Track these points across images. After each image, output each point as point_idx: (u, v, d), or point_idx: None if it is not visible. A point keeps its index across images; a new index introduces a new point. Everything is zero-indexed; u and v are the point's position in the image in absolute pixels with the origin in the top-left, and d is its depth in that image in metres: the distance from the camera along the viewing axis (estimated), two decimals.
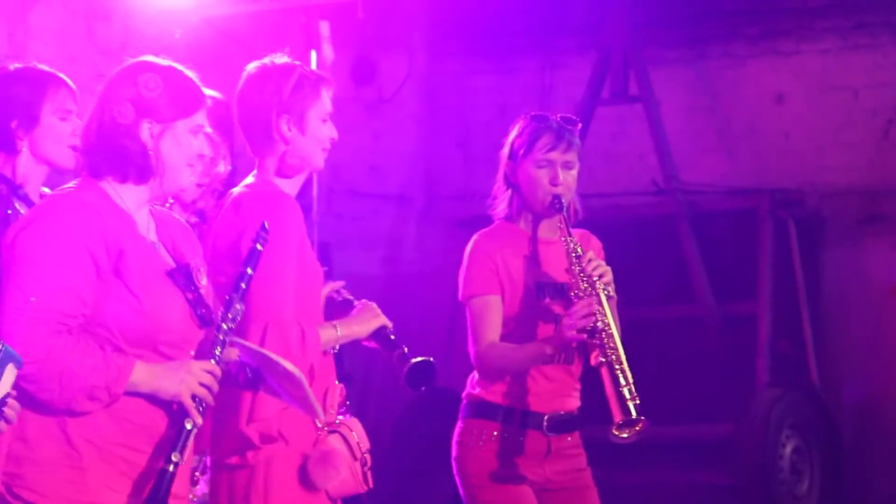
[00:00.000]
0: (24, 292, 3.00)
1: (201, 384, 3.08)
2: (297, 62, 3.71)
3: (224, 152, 4.21)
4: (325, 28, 7.21)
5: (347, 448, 3.57)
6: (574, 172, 4.13)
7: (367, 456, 3.63)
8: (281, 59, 3.69)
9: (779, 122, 8.06)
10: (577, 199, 4.16)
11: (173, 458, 3.06)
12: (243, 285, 3.23)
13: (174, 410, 3.12)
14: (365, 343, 3.75)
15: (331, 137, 3.70)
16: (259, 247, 3.29)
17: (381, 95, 8.73)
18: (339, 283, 3.81)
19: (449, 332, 7.70)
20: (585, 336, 3.89)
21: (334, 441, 3.56)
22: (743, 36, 8.14)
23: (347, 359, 7.73)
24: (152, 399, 3.09)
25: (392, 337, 3.71)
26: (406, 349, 3.67)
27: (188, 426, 3.08)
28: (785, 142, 8.03)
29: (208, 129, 3.26)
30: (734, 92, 8.16)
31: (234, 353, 3.21)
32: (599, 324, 3.89)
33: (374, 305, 3.73)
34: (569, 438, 4.13)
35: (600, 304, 3.92)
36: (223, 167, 4.16)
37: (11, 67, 3.79)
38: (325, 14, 7.32)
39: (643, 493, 7.19)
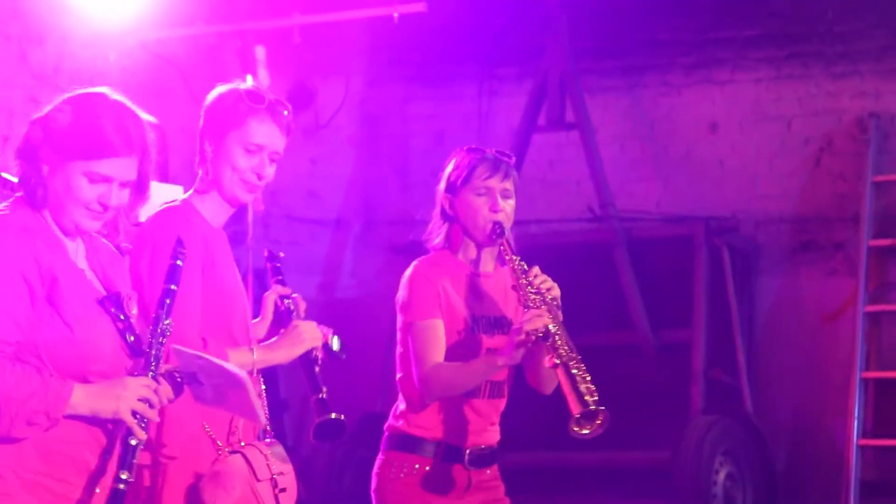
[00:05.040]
0: None
1: (140, 399, 3.05)
2: (251, 88, 3.70)
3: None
4: (261, 53, 7.19)
5: (249, 469, 3.53)
6: (512, 202, 4.13)
7: (280, 478, 3.58)
8: (242, 84, 3.71)
9: (713, 151, 8.13)
10: (512, 235, 4.16)
11: (122, 476, 3.03)
12: (168, 301, 3.18)
13: (107, 434, 3.07)
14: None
15: (255, 171, 3.66)
16: (179, 262, 3.26)
17: (318, 121, 8.72)
18: (285, 290, 3.77)
19: (385, 358, 7.68)
20: (538, 338, 3.86)
21: (234, 461, 3.52)
22: (678, 65, 8.21)
23: (284, 386, 7.70)
24: (85, 424, 3.05)
25: (317, 369, 3.66)
26: (324, 392, 3.60)
27: (133, 442, 3.05)
28: (719, 170, 8.10)
29: (123, 179, 3.12)
30: (669, 120, 8.23)
31: (166, 369, 3.16)
32: (552, 327, 3.89)
33: (304, 329, 3.67)
34: (488, 472, 4.12)
35: (551, 311, 3.92)
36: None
37: None
38: (262, 39, 7.31)
39: None
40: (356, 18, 7.76)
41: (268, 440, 3.64)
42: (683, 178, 8.14)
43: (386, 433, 4.12)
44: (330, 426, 3.56)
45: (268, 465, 3.57)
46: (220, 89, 3.71)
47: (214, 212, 3.68)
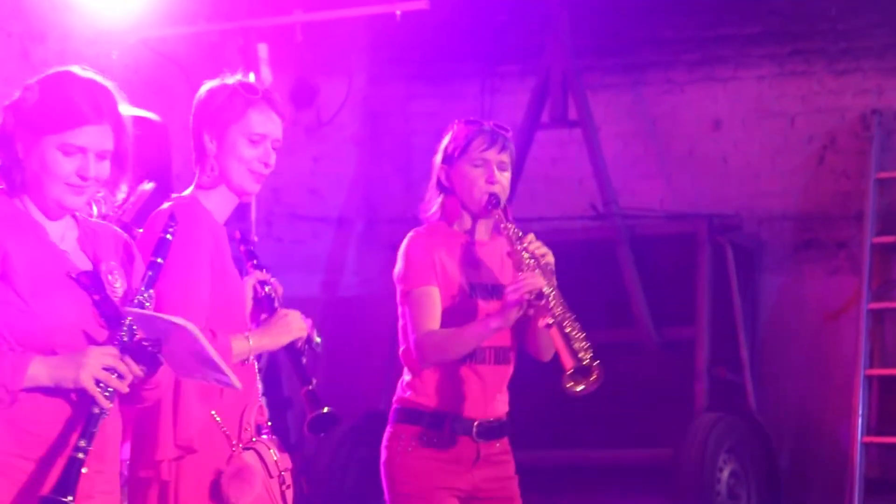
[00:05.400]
0: None
1: (105, 368, 3.00)
2: (243, 80, 3.70)
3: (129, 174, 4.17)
4: (263, 50, 7.19)
5: (263, 466, 3.54)
6: (508, 175, 4.15)
7: (286, 475, 3.60)
8: (230, 78, 3.70)
9: (716, 148, 8.12)
10: (510, 207, 4.17)
11: (80, 444, 2.98)
12: (150, 273, 3.16)
13: (73, 407, 3.04)
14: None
15: (262, 161, 3.66)
16: (168, 236, 3.24)
17: (321, 118, 8.71)
18: (263, 275, 3.75)
19: (389, 356, 7.67)
20: (532, 299, 3.88)
21: (249, 458, 3.53)
22: (681, 62, 8.20)
23: (286, 383, 7.69)
24: (47, 400, 3.02)
25: (304, 360, 3.65)
26: (313, 384, 3.59)
27: (95, 411, 3.00)
28: (723, 167, 8.09)
29: (99, 149, 3.11)
30: (672, 117, 8.22)
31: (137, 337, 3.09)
32: (546, 289, 3.89)
33: (291, 317, 3.65)
34: (497, 444, 4.12)
35: (544, 275, 3.93)
36: (147, 186, 4.10)
37: None
38: (264, 36, 7.30)
39: None
40: (358, 16, 7.75)
41: (265, 436, 3.64)
42: (686, 175, 8.13)
43: (394, 406, 4.13)
44: (324, 419, 3.55)
45: (276, 461, 3.58)
46: (209, 85, 3.71)
47: (219, 207, 3.68)
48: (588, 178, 7.90)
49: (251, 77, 6.91)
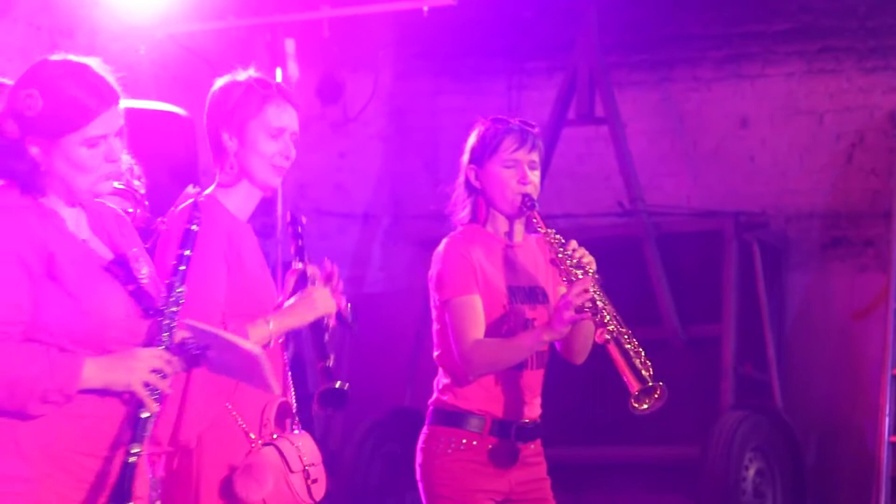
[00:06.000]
0: None
1: (152, 370, 3.03)
2: (255, 75, 3.69)
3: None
4: (290, 46, 7.19)
5: (283, 461, 3.53)
6: (538, 173, 4.12)
7: (311, 469, 3.58)
8: (242, 73, 3.69)
9: (744, 146, 8.09)
10: (538, 206, 4.15)
11: (132, 450, 3.02)
12: (182, 267, 3.18)
13: (128, 406, 3.06)
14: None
15: (284, 154, 3.66)
16: (194, 227, 3.26)
17: (347, 114, 8.71)
18: (299, 265, 3.71)
19: (413, 352, 7.67)
20: (586, 314, 3.84)
21: (267, 454, 3.52)
22: (708, 59, 8.18)
23: (312, 378, 7.70)
24: (106, 399, 3.04)
25: (326, 337, 3.63)
26: (331, 361, 3.59)
27: (143, 415, 3.03)
28: (750, 165, 8.06)
29: (115, 130, 3.12)
30: (699, 115, 8.19)
31: (180, 336, 3.14)
32: (599, 302, 3.85)
33: (318, 294, 3.61)
34: (532, 446, 4.11)
35: (595, 284, 3.89)
36: (192, 189, 4.11)
37: None
38: (291, 32, 7.30)
39: None
40: (385, 12, 7.75)
41: (296, 431, 3.63)
42: (713, 172, 8.10)
43: (431, 407, 4.11)
44: (334, 395, 3.55)
45: (300, 456, 3.56)
46: (221, 83, 3.69)
47: (241, 205, 3.68)
48: (615, 174, 7.88)
49: (293, 77, 6.96)
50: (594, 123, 7.84)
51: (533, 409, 4.10)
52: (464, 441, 4.01)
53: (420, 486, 4.09)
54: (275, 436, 3.58)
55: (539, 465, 4.13)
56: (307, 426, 3.72)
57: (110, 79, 3.13)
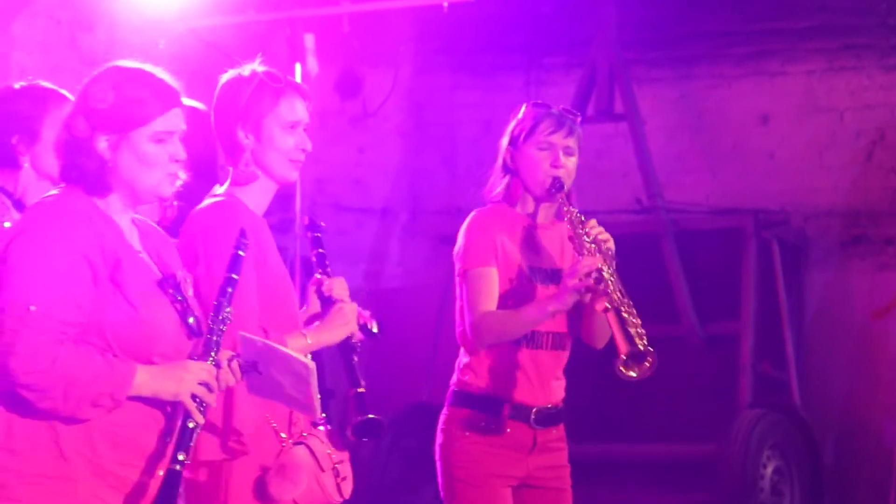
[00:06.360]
0: (23, 301, 2.96)
1: (200, 383, 3.07)
2: (263, 69, 3.68)
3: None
4: (310, 41, 7.19)
5: (314, 460, 3.54)
6: (574, 160, 4.15)
7: (340, 467, 3.59)
8: (247, 68, 3.68)
9: (764, 143, 8.07)
10: (574, 192, 4.16)
11: (179, 458, 3.05)
12: (230, 289, 3.21)
13: (167, 418, 3.09)
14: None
15: (300, 147, 3.66)
16: (241, 253, 3.28)
17: (366, 109, 8.71)
18: (324, 278, 3.72)
19: (432, 347, 7.67)
20: (590, 283, 3.86)
21: (298, 453, 3.53)
22: (729, 56, 8.15)
23: (329, 374, 7.71)
24: (149, 409, 3.06)
25: (355, 358, 3.63)
26: (362, 386, 3.56)
27: (190, 425, 3.07)
28: (770, 162, 8.04)
29: (180, 130, 3.18)
30: (719, 112, 8.17)
31: (226, 355, 3.18)
32: (605, 273, 3.87)
33: (348, 309, 3.63)
34: (553, 431, 4.11)
35: (605, 260, 3.91)
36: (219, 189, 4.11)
37: (16, 86, 3.84)
38: (311, 27, 7.31)
39: None
40: (405, 7, 7.76)
41: (322, 428, 3.64)
42: (733, 170, 8.08)
43: (451, 388, 4.12)
44: (369, 425, 3.54)
45: (329, 454, 3.57)
46: (227, 78, 3.68)
47: (259, 201, 3.67)
48: (633, 171, 7.86)
49: (313, 72, 6.96)
50: (613, 120, 7.83)
51: (553, 394, 4.10)
52: (482, 423, 4.02)
53: (438, 466, 4.10)
54: (305, 434, 3.58)
55: (560, 451, 4.13)
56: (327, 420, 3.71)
57: (175, 84, 3.20)
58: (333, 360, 3.72)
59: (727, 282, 7.42)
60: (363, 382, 3.58)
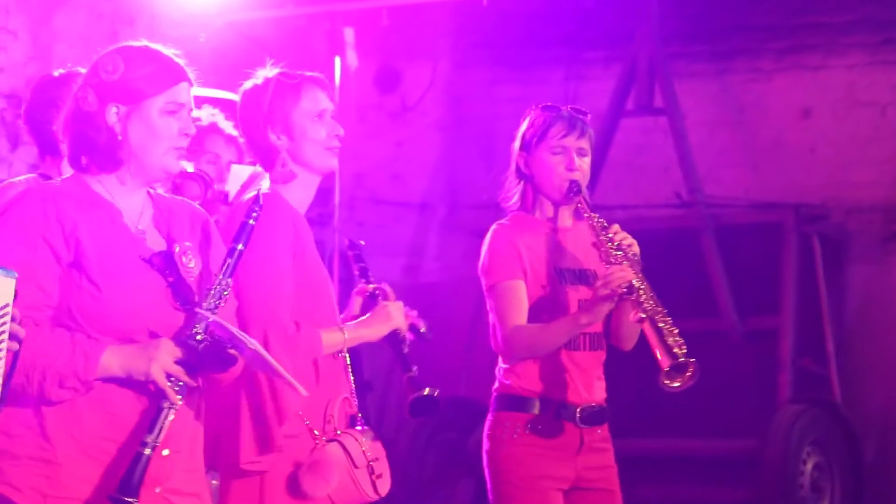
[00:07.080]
0: None
1: (177, 361, 3.00)
2: (276, 71, 3.69)
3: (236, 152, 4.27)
4: (349, 35, 7.21)
5: (347, 457, 3.55)
6: (588, 160, 4.13)
7: (375, 464, 3.60)
8: (262, 75, 3.70)
9: (804, 137, 8.02)
10: (588, 193, 4.15)
11: (147, 440, 2.98)
12: (230, 260, 3.14)
13: (152, 399, 3.03)
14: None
15: (333, 134, 3.67)
16: (251, 221, 3.21)
17: (405, 103, 8.72)
18: (369, 287, 3.78)
19: (469, 341, 7.67)
20: (623, 293, 3.85)
21: (331, 450, 3.54)
22: (769, 50, 8.11)
23: (367, 367, 7.73)
24: (131, 386, 3.02)
25: (405, 348, 3.67)
26: (415, 371, 3.62)
27: (164, 406, 2.99)
28: (810, 157, 7.99)
29: (191, 105, 3.17)
30: (760, 106, 8.13)
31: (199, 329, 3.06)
32: (636, 282, 3.86)
33: (392, 308, 3.69)
34: (598, 431, 4.10)
35: (633, 267, 3.90)
36: (258, 168, 4.13)
37: (56, 73, 3.86)
38: (350, 21, 7.32)
39: None
40: (444, 1, 7.75)
41: (359, 427, 3.65)
42: (773, 164, 8.04)
43: (495, 393, 4.12)
44: (424, 402, 3.59)
45: (363, 451, 3.58)
46: (244, 89, 3.69)
47: (301, 198, 3.69)
48: (673, 166, 7.83)
49: (352, 65, 6.98)
50: (653, 114, 7.80)
51: (596, 393, 4.09)
52: (528, 425, 4.01)
53: (486, 472, 4.09)
54: (338, 432, 3.59)
55: (606, 451, 4.12)
56: (362, 416, 3.73)
57: (182, 62, 3.18)
58: (372, 354, 3.75)
59: (767, 277, 7.38)
60: (415, 368, 3.63)
